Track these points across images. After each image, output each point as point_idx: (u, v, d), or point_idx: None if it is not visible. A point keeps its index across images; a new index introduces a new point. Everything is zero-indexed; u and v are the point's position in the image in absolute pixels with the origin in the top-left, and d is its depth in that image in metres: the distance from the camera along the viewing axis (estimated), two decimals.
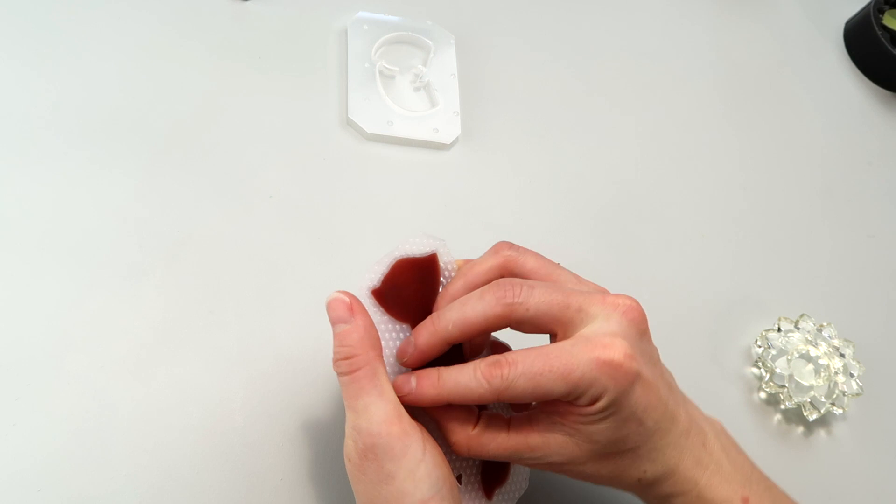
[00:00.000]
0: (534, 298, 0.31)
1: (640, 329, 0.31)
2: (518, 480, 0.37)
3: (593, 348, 0.29)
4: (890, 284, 0.57)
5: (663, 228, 0.54)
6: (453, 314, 0.32)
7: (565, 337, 0.31)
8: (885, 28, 0.66)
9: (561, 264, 0.35)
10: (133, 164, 0.46)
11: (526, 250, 0.34)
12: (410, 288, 0.34)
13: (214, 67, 0.51)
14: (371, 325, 0.31)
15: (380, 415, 0.30)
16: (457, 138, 0.53)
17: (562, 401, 0.30)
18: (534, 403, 0.35)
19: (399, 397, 0.31)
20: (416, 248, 0.35)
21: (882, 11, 0.67)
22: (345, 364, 0.30)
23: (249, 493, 0.38)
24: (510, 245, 0.34)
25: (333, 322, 0.31)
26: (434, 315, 0.33)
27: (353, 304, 0.31)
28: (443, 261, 0.35)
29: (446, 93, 0.54)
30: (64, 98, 0.47)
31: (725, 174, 0.59)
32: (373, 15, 0.56)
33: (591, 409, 0.30)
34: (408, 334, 0.34)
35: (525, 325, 0.31)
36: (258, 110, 0.50)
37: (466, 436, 0.32)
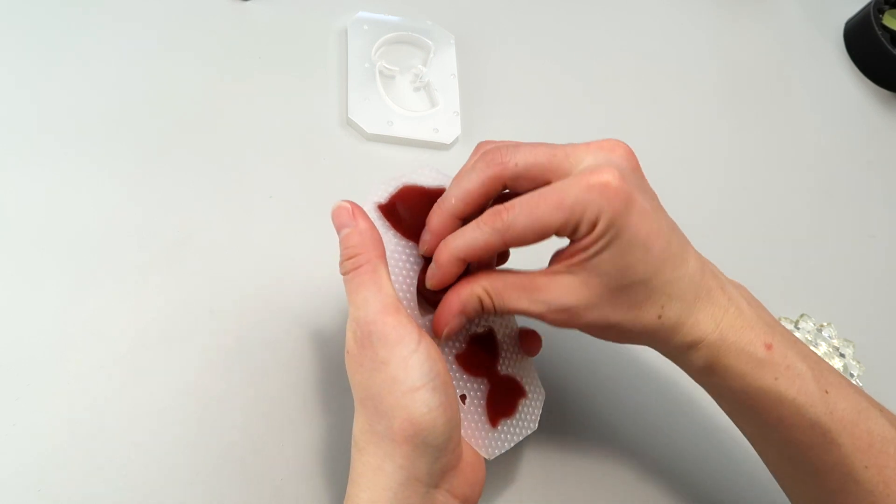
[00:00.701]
0: (520, 153, 0.32)
1: (631, 164, 0.32)
2: (527, 419, 0.37)
3: (584, 177, 0.30)
4: (890, 284, 0.57)
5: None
6: (453, 190, 0.33)
7: None
8: (885, 28, 0.66)
9: None
10: (133, 164, 0.46)
11: (513, 148, 0.33)
12: (415, 211, 0.35)
13: (214, 67, 0.51)
14: (372, 227, 0.33)
15: (377, 306, 0.31)
16: (457, 138, 0.53)
17: (562, 236, 0.31)
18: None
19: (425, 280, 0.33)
20: (425, 179, 0.36)
21: (882, 11, 0.67)
22: (348, 263, 0.32)
23: (249, 493, 0.38)
24: (496, 149, 0.33)
25: (338, 228, 0.33)
26: (437, 200, 0.34)
27: (355, 210, 0.33)
28: None
29: (446, 93, 0.54)
30: (63, 98, 0.47)
31: (725, 174, 0.59)
32: (373, 15, 0.56)
33: (591, 238, 0.30)
34: (413, 250, 0.35)
35: (520, 181, 0.32)
36: (258, 110, 0.50)
37: (479, 283, 0.33)
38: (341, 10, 0.56)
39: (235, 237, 0.45)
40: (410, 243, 0.35)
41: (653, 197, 0.32)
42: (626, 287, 0.31)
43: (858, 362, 0.50)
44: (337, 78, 0.53)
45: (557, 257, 0.32)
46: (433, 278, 0.34)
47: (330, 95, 0.52)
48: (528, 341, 0.39)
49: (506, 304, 0.32)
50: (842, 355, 0.50)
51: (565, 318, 0.32)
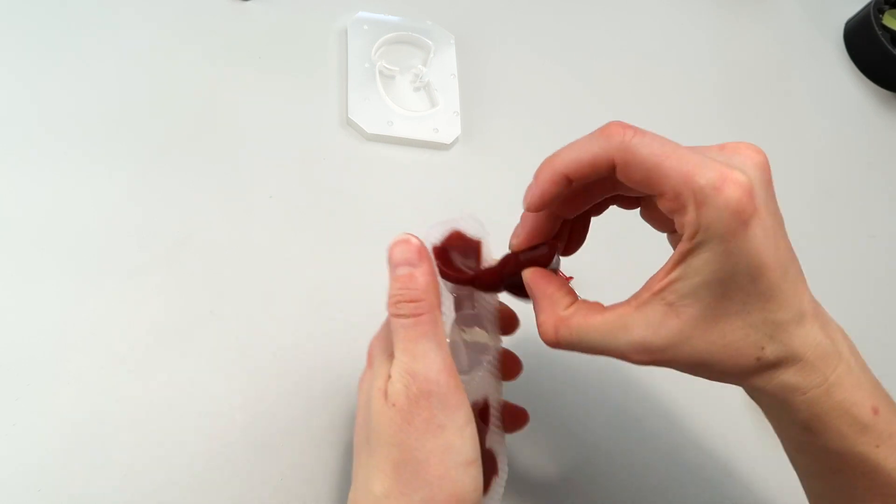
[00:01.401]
0: (645, 139, 0.27)
1: (764, 177, 0.28)
2: (494, 498, 0.36)
3: (719, 166, 0.26)
4: (890, 284, 0.57)
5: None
6: (564, 150, 0.29)
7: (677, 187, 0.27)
8: (885, 28, 0.66)
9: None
10: (133, 164, 0.46)
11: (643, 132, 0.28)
12: (456, 256, 0.34)
13: (214, 67, 0.51)
14: (435, 273, 0.31)
15: (440, 363, 0.29)
16: (457, 138, 0.53)
17: (663, 207, 0.27)
18: None
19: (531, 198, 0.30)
20: (469, 227, 0.35)
21: (882, 11, 0.67)
22: (410, 306, 0.30)
23: (249, 493, 0.38)
24: (623, 127, 0.28)
25: (398, 263, 0.31)
26: (549, 157, 0.30)
27: (422, 249, 0.31)
28: (485, 250, 0.35)
29: (446, 93, 0.54)
30: (64, 98, 0.47)
31: None
32: (373, 15, 0.56)
33: (693, 230, 0.26)
34: (451, 293, 0.34)
35: (631, 169, 0.27)
36: (258, 110, 0.50)
37: (556, 316, 0.30)
38: (341, 10, 0.56)
39: (235, 237, 0.45)
40: (450, 285, 0.34)
41: (779, 219, 0.28)
42: (723, 317, 0.27)
43: None
44: (337, 78, 0.53)
45: (645, 287, 0.29)
46: (527, 196, 0.30)
47: (330, 95, 0.52)
48: (514, 416, 0.37)
49: (584, 344, 0.30)
50: None
51: (650, 359, 0.28)
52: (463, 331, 0.34)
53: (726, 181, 0.25)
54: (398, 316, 0.30)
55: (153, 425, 0.39)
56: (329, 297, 0.45)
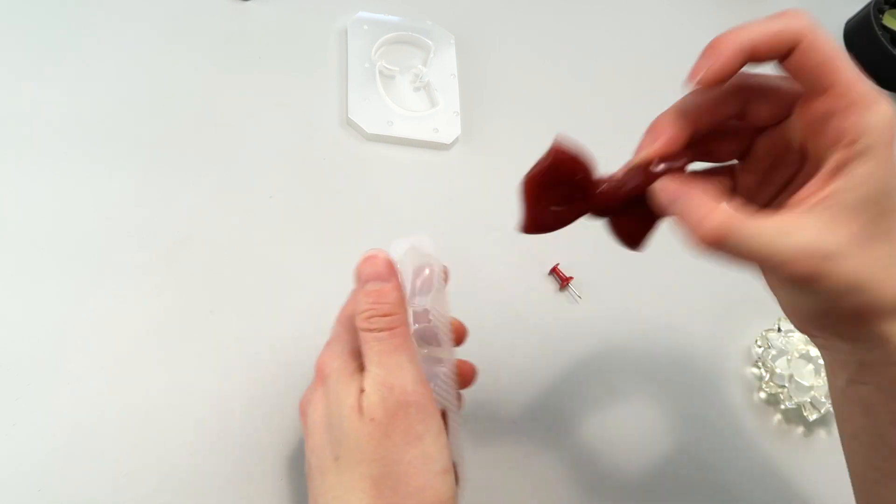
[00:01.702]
0: (830, 43, 0.26)
1: None
2: (464, 480, 0.36)
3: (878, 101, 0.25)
4: None
5: (663, 228, 0.54)
6: (746, 28, 0.29)
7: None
8: (885, 28, 0.66)
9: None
10: (133, 164, 0.46)
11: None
12: (554, 191, 0.33)
13: (214, 67, 0.51)
14: (402, 289, 0.31)
15: (415, 374, 0.29)
16: (457, 138, 0.53)
17: (828, 99, 0.26)
18: None
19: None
20: (426, 248, 0.35)
21: (882, 11, 0.67)
22: (384, 320, 0.30)
23: (250, 493, 0.38)
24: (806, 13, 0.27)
25: (369, 278, 0.31)
26: (722, 34, 0.29)
27: (391, 264, 0.31)
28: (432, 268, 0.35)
29: (446, 93, 0.54)
30: (64, 99, 0.47)
31: None
32: (373, 15, 0.56)
33: (860, 120, 0.25)
34: (410, 307, 0.34)
35: (814, 51, 0.26)
36: (258, 110, 0.50)
37: (723, 215, 0.26)
38: (341, 10, 0.56)
39: (235, 237, 0.45)
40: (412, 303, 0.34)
41: None
42: (885, 236, 0.25)
43: None
44: (337, 78, 0.53)
45: (795, 200, 0.27)
46: (703, 69, 0.28)
47: (330, 95, 0.52)
48: (463, 374, 0.36)
49: (749, 246, 0.26)
50: None
51: (814, 269, 0.25)
52: (419, 344, 0.34)
53: (881, 99, 0.25)
54: (371, 330, 0.30)
55: (153, 425, 0.39)
56: (329, 296, 0.45)
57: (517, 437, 0.37)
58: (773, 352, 0.49)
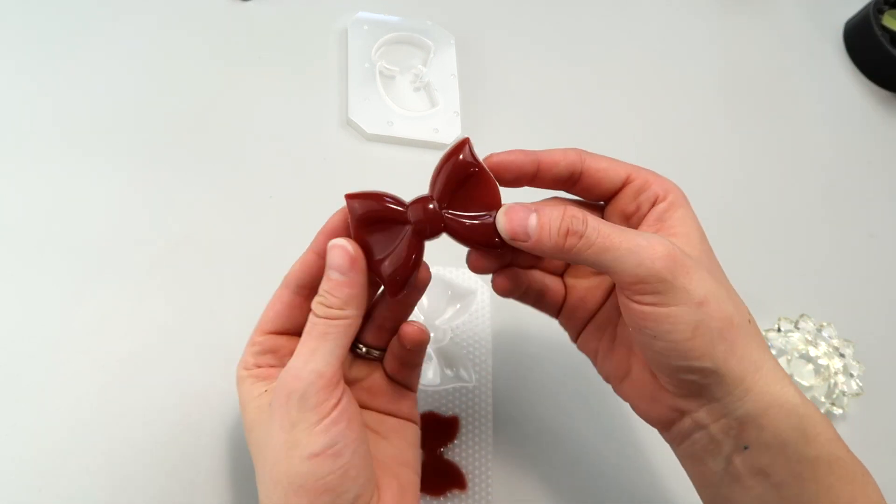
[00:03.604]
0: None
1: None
2: (472, 489, 0.37)
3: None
4: (890, 284, 0.57)
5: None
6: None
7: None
8: (885, 28, 0.66)
9: None
10: (133, 164, 0.46)
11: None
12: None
13: (214, 67, 0.51)
14: (367, 286, 0.31)
15: (320, 363, 0.29)
16: (457, 138, 0.53)
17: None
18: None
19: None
20: None
21: (882, 12, 0.67)
22: (329, 311, 0.30)
23: (250, 493, 0.38)
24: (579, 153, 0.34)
25: (331, 266, 0.31)
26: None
27: (358, 260, 0.31)
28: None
29: (446, 93, 0.54)
30: (64, 98, 0.47)
31: (725, 174, 0.59)
32: (373, 15, 0.56)
33: (666, 185, 0.34)
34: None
35: (593, 174, 0.34)
36: (258, 110, 0.50)
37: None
38: (341, 10, 0.56)
39: (235, 237, 0.45)
40: None
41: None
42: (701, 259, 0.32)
43: (858, 362, 0.50)
44: (337, 78, 0.53)
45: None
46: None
47: (330, 95, 0.52)
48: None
49: (603, 244, 0.29)
50: (842, 355, 0.50)
51: (656, 299, 0.28)
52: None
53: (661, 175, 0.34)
54: (314, 313, 0.30)
55: (153, 425, 0.39)
56: None
57: (508, 440, 0.38)
58: (773, 352, 0.49)
